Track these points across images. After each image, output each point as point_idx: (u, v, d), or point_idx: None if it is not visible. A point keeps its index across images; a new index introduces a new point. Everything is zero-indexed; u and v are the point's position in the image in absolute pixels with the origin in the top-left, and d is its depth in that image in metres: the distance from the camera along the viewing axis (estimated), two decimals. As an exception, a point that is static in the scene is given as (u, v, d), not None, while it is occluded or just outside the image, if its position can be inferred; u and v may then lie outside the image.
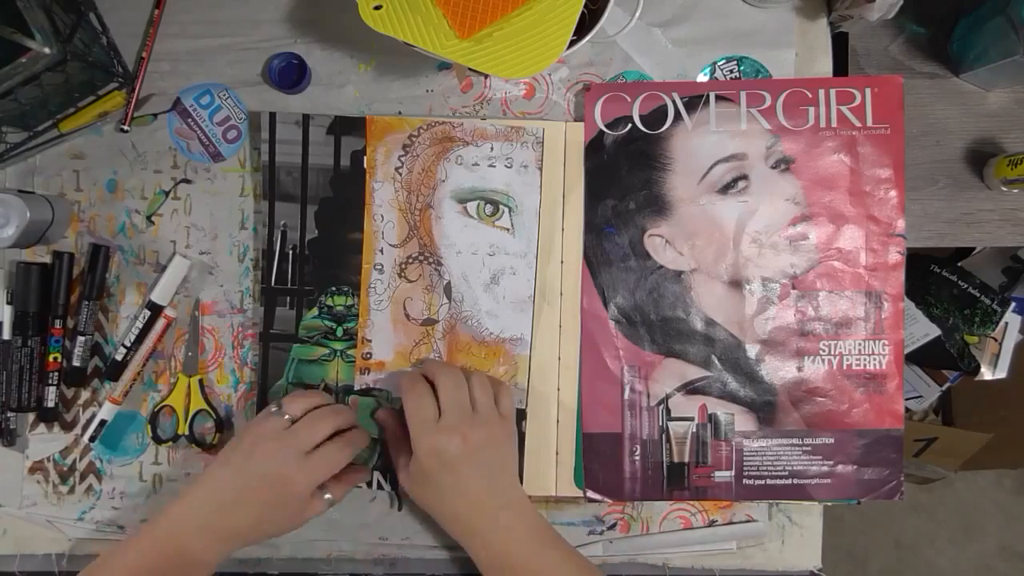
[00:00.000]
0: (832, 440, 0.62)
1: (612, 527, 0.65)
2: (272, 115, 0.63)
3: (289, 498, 0.56)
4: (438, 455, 0.56)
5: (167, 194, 0.63)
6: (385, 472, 0.63)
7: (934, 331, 1.01)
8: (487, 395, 0.59)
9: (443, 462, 0.56)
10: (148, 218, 0.65)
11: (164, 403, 0.64)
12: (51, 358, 0.64)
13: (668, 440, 0.63)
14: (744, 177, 0.62)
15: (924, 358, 1.07)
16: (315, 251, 0.63)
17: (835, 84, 0.62)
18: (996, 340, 1.07)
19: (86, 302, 0.63)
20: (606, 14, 0.58)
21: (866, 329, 0.62)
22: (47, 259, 0.65)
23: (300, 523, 0.58)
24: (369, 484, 0.63)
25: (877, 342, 0.62)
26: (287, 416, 0.57)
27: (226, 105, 0.65)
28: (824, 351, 0.62)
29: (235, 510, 0.55)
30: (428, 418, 0.57)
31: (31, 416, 0.65)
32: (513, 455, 0.61)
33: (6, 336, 0.64)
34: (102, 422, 0.64)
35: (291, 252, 0.63)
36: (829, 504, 0.65)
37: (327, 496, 0.58)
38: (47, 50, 0.55)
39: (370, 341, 0.63)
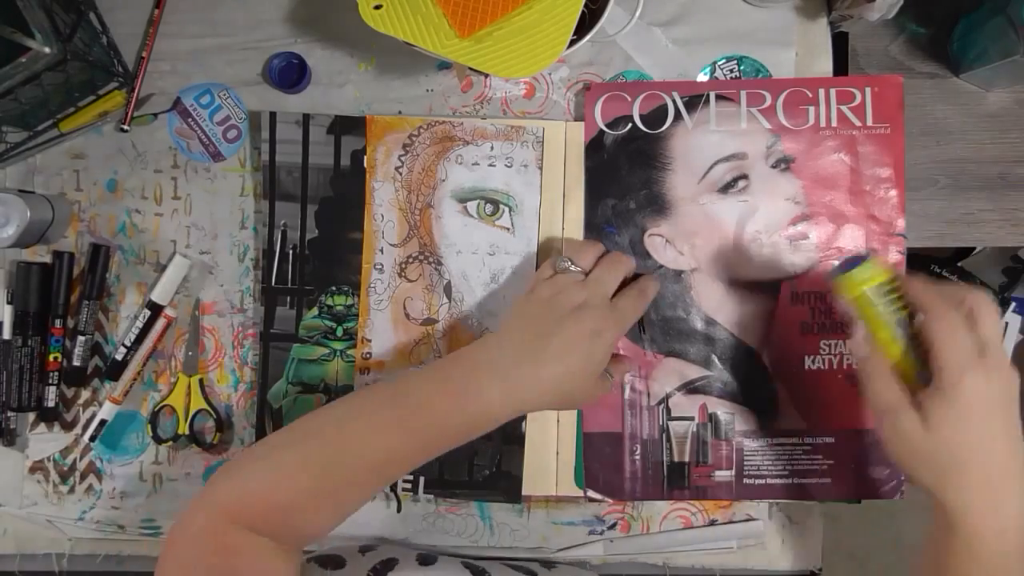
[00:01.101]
0: (832, 439, 0.62)
1: (612, 527, 0.65)
2: (272, 115, 0.63)
3: (598, 349, 0.52)
4: (986, 400, 0.46)
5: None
6: (385, 472, 0.63)
7: (934, 331, 1.00)
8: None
9: (990, 409, 0.46)
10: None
11: (164, 403, 0.64)
12: (51, 358, 0.64)
13: (668, 439, 0.63)
14: (744, 176, 0.62)
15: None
16: (315, 251, 0.63)
17: (835, 84, 0.62)
18: (996, 340, 1.07)
19: (86, 302, 0.63)
20: (606, 14, 0.58)
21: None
22: (47, 259, 0.65)
23: (593, 396, 0.56)
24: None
25: (877, 342, 0.62)
26: (578, 268, 0.56)
27: (226, 105, 0.65)
28: (824, 350, 0.62)
29: (542, 361, 0.51)
30: (976, 348, 0.46)
31: (31, 416, 0.65)
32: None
33: (6, 336, 0.64)
34: (102, 422, 0.64)
35: (291, 252, 0.63)
36: (829, 504, 0.64)
37: (610, 374, 0.57)
38: (47, 50, 0.55)
39: (370, 341, 0.63)
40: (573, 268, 0.56)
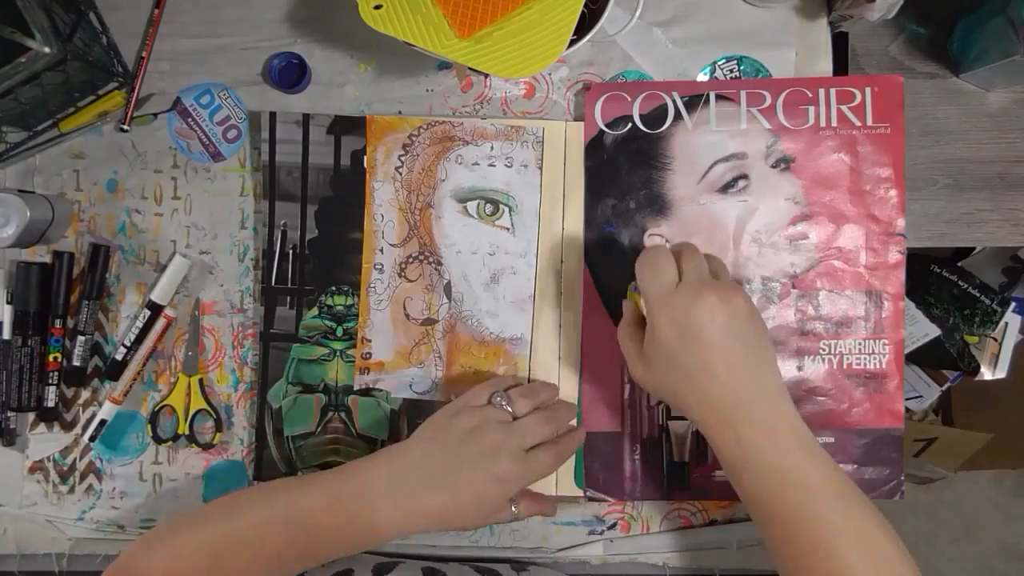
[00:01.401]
0: (832, 439, 0.62)
1: (612, 527, 0.65)
2: (272, 115, 0.63)
3: (496, 494, 0.52)
4: (681, 326, 0.48)
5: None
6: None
7: (934, 331, 1.01)
8: (726, 271, 0.53)
9: (687, 334, 0.48)
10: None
11: (164, 403, 0.64)
12: (51, 358, 0.64)
13: (668, 439, 0.63)
14: (744, 176, 0.62)
15: (924, 358, 1.07)
16: (315, 251, 0.63)
17: (835, 84, 0.62)
18: (996, 340, 1.07)
19: (86, 302, 0.63)
20: (606, 14, 0.58)
21: (866, 328, 0.62)
22: (47, 259, 0.65)
23: (481, 525, 0.56)
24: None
25: (877, 341, 0.62)
26: (510, 410, 0.55)
27: (226, 105, 0.65)
28: (824, 350, 0.62)
29: (437, 491, 0.51)
30: (668, 282, 0.49)
31: (31, 416, 0.65)
32: (768, 337, 0.51)
33: (6, 336, 0.64)
34: (102, 422, 0.64)
35: (291, 252, 0.63)
36: (829, 504, 0.64)
37: (514, 509, 0.55)
38: (47, 49, 0.55)
39: (370, 341, 0.63)
40: (506, 407, 0.55)
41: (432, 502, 0.52)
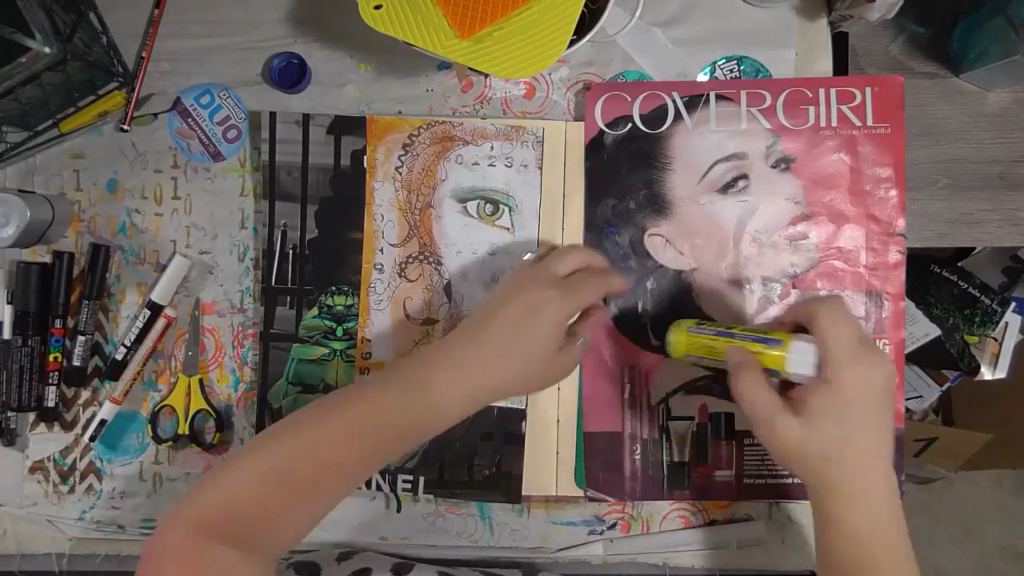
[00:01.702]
0: (832, 440, 0.62)
1: (612, 527, 0.65)
2: (272, 115, 0.63)
3: (544, 324, 0.51)
4: (867, 385, 0.46)
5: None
6: (384, 473, 0.63)
7: (934, 331, 1.01)
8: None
9: (868, 395, 0.46)
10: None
11: (164, 403, 0.64)
12: (51, 358, 0.64)
13: (668, 439, 0.63)
14: (744, 176, 0.62)
15: (924, 358, 1.07)
16: (315, 251, 0.63)
17: (835, 83, 0.62)
18: (996, 340, 1.07)
19: (86, 302, 0.63)
20: (606, 14, 0.58)
21: (867, 328, 0.62)
22: (47, 259, 0.65)
23: (556, 372, 0.55)
24: (368, 485, 0.63)
25: (877, 341, 0.62)
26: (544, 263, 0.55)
27: (226, 105, 0.65)
28: (824, 351, 0.62)
29: (485, 342, 0.51)
30: (858, 337, 0.47)
31: (31, 416, 0.65)
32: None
33: (6, 336, 0.64)
34: (102, 422, 0.64)
35: (291, 252, 0.63)
36: (829, 504, 0.64)
37: (579, 341, 0.55)
38: (47, 50, 0.55)
39: (370, 341, 0.63)
40: (532, 258, 0.55)
41: (486, 354, 0.51)
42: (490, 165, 0.63)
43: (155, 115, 0.65)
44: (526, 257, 0.56)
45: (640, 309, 0.63)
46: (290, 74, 0.65)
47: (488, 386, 0.51)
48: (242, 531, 0.48)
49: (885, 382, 0.46)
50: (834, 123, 0.62)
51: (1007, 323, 1.06)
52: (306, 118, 0.63)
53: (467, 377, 0.51)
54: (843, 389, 0.46)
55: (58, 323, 0.64)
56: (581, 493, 0.63)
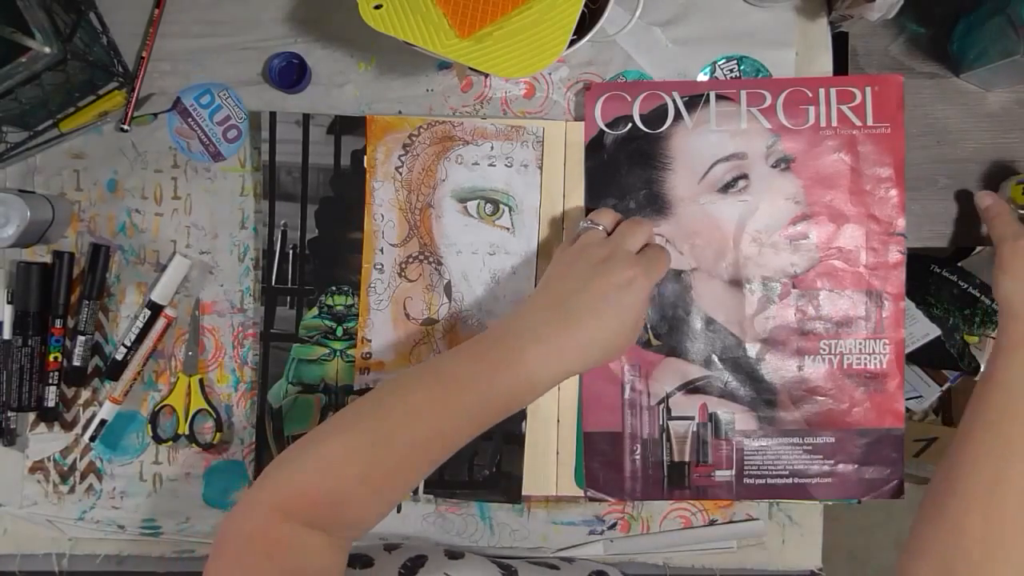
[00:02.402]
0: (833, 439, 0.62)
1: (612, 526, 0.65)
2: (272, 115, 0.63)
3: (631, 300, 0.52)
4: None
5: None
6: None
7: (934, 331, 1.00)
8: None
9: None
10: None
11: (164, 403, 0.64)
12: (51, 358, 0.64)
13: (668, 439, 0.63)
14: (744, 176, 0.62)
15: (924, 358, 1.07)
16: (315, 251, 0.63)
17: (835, 83, 0.62)
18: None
19: (86, 302, 0.63)
20: (606, 13, 0.58)
21: (867, 328, 0.62)
22: (47, 259, 0.65)
23: (631, 342, 0.55)
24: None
25: (878, 341, 0.62)
26: (601, 227, 0.57)
27: (226, 105, 0.65)
28: (824, 350, 0.62)
29: (581, 323, 0.51)
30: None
31: (31, 416, 0.65)
32: None
33: (6, 336, 0.64)
34: (102, 422, 0.64)
35: (291, 252, 0.63)
36: (829, 504, 0.65)
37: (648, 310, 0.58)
38: (47, 50, 0.55)
39: (370, 341, 0.63)
40: (595, 227, 0.57)
41: (577, 332, 0.51)
42: (490, 165, 0.63)
43: (155, 115, 0.65)
44: (583, 225, 0.57)
45: (640, 309, 0.63)
46: (290, 74, 0.65)
47: (579, 362, 0.52)
48: (328, 514, 0.47)
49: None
50: (834, 123, 0.62)
51: (1007, 323, 1.06)
52: (306, 118, 0.63)
53: (559, 355, 0.51)
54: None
55: (58, 323, 0.64)
56: (581, 493, 0.63)
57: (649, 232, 0.58)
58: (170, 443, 0.64)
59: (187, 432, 0.64)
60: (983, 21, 0.63)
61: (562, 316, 0.52)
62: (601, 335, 0.52)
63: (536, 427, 0.63)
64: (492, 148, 0.63)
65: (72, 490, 0.65)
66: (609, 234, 0.57)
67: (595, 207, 0.63)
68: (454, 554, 0.58)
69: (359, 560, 0.56)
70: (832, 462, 0.62)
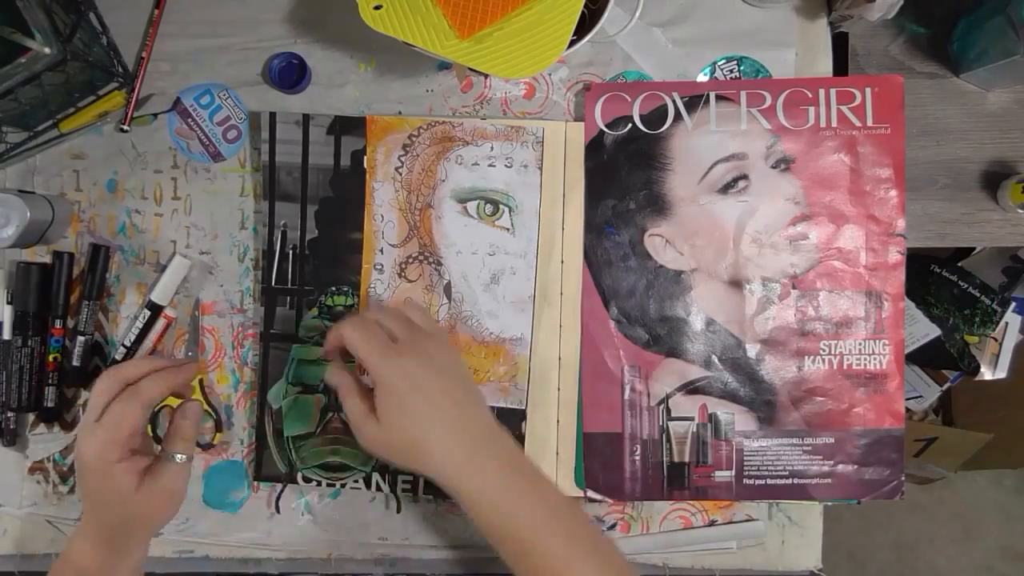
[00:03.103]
0: (832, 440, 0.62)
1: (612, 527, 0.65)
2: (272, 115, 0.63)
3: (104, 473, 0.51)
4: (409, 376, 0.50)
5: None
6: (384, 473, 0.63)
7: (934, 331, 1.01)
8: (428, 318, 0.59)
9: (415, 383, 0.50)
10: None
11: (164, 403, 0.64)
12: (51, 358, 0.64)
13: (668, 440, 0.63)
14: (744, 177, 0.62)
15: (924, 358, 1.07)
16: (315, 251, 0.63)
17: (835, 84, 0.62)
18: (996, 340, 1.07)
19: (86, 302, 0.63)
20: (606, 14, 0.58)
21: (866, 329, 0.62)
22: (47, 259, 0.65)
23: (158, 496, 0.53)
24: (368, 484, 0.63)
25: (877, 342, 0.62)
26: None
27: (226, 105, 0.65)
28: (824, 351, 0.62)
29: (92, 509, 0.53)
30: (386, 340, 0.52)
31: (31, 416, 0.65)
32: (470, 378, 0.57)
33: (6, 336, 0.64)
34: (102, 422, 0.64)
35: (291, 252, 0.63)
36: (829, 504, 0.64)
37: (178, 456, 0.55)
38: (47, 50, 0.55)
39: (370, 341, 0.63)
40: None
41: (102, 519, 0.53)
42: (490, 165, 0.63)
43: (155, 115, 0.65)
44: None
45: (640, 310, 0.63)
46: (290, 74, 0.65)
47: (124, 541, 0.53)
48: None
49: (422, 368, 0.51)
50: (834, 123, 0.62)
51: (1007, 323, 1.06)
52: (306, 118, 0.63)
53: (104, 544, 0.53)
54: (381, 385, 0.50)
55: (58, 323, 0.64)
56: (581, 493, 0.63)
57: (114, 384, 0.53)
58: (170, 443, 0.64)
59: (187, 432, 0.64)
60: (983, 21, 0.63)
61: (86, 510, 0.53)
62: (116, 515, 0.53)
63: (536, 427, 0.63)
64: (492, 148, 0.63)
65: (72, 490, 0.65)
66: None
67: (595, 207, 0.63)
68: None
69: None
70: (832, 462, 0.62)
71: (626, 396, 0.63)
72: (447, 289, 0.63)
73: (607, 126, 0.63)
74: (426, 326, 0.56)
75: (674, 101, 0.63)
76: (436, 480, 0.51)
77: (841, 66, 0.65)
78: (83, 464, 0.52)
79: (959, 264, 1.02)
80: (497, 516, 0.50)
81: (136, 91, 0.64)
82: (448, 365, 0.53)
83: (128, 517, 0.53)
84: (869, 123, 0.62)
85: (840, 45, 0.65)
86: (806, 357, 0.62)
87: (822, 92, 0.62)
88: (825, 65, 0.65)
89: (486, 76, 0.65)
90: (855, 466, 0.62)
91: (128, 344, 0.64)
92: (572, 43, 0.56)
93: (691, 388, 0.63)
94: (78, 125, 0.64)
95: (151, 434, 0.64)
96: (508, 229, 0.63)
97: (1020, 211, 0.64)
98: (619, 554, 0.53)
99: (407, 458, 0.51)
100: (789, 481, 0.62)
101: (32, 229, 0.60)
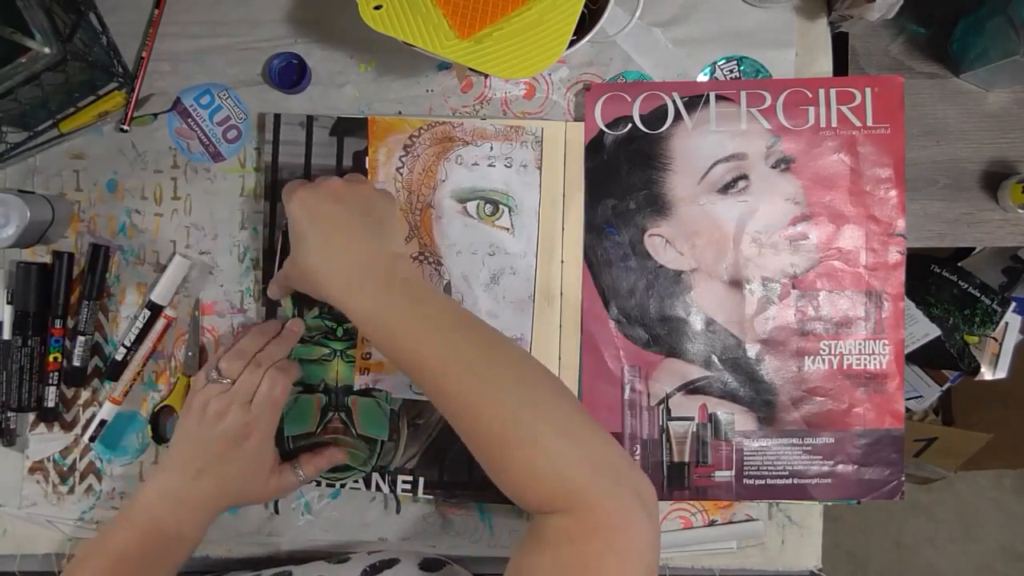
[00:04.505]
0: (832, 440, 0.62)
1: (612, 527, 0.64)
2: (277, 116, 0.63)
3: (248, 455, 0.57)
4: (307, 207, 0.55)
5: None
6: (384, 473, 0.63)
7: (934, 331, 1.01)
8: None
9: (312, 214, 0.54)
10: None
11: (164, 403, 0.64)
12: (51, 358, 0.64)
13: (668, 440, 0.63)
14: (744, 177, 0.62)
15: (924, 358, 1.07)
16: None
17: (835, 84, 0.62)
18: (996, 340, 1.07)
19: (86, 302, 0.63)
20: (606, 14, 0.58)
21: (866, 329, 0.62)
22: (47, 259, 0.65)
23: (272, 491, 0.59)
24: (368, 484, 0.63)
25: (877, 342, 0.62)
26: (226, 380, 0.58)
27: (226, 105, 0.65)
28: (824, 351, 0.62)
29: (202, 477, 0.56)
30: (306, 183, 0.57)
31: (31, 416, 0.65)
32: (391, 209, 0.60)
33: (6, 336, 0.64)
34: (102, 422, 0.64)
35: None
36: (829, 504, 0.65)
37: (299, 472, 0.60)
38: (47, 50, 0.55)
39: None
40: (221, 380, 0.58)
41: (206, 489, 0.56)
42: (490, 165, 0.63)
43: (155, 115, 0.65)
44: (208, 376, 0.59)
45: (640, 310, 0.63)
46: (290, 74, 0.65)
47: (217, 509, 0.58)
48: None
49: (316, 202, 0.54)
50: (834, 123, 0.62)
51: (1007, 323, 1.06)
52: (310, 120, 0.63)
53: (198, 512, 0.57)
54: (291, 218, 0.55)
55: (58, 323, 0.64)
56: (581, 493, 0.63)
57: (265, 369, 0.59)
58: (170, 443, 0.64)
59: (187, 432, 0.64)
60: (983, 21, 0.63)
61: (191, 477, 0.56)
62: (230, 487, 0.57)
63: (536, 427, 0.63)
64: (492, 148, 0.63)
65: (72, 490, 0.65)
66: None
67: (595, 207, 0.63)
68: (430, 564, 0.59)
69: (336, 556, 0.59)
70: (832, 462, 0.62)
71: (626, 396, 0.63)
72: (447, 289, 0.63)
73: (607, 126, 0.63)
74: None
75: (674, 101, 0.63)
76: (331, 303, 0.54)
77: (841, 66, 0.65)
78: (234, 437, 0.56)
79: (959, 264, 1.02)
80: (375, 331, 0.52)
81: (136, 91, 0.64)
82: (354, 201, 0.56)
83: (243, 492, 0.58)
84: (869, 123, 0.62)
85: (840, 45, 0.65)
86: (806, 357, 0.62)
87: (822, 92, 0.62)
88: (825, 65, 0.65)
89: (486, 76, 0.65)
90: (855, 466, 0.62)
91: (128, 344, 0.64)
92: (572, 43, 0.56)
93: (691, 388, 0.63)
94: (78, 125, 0.64)
95: (151, 434, 0.64)
96: (508, 229, 0.63)
97: (1020, 211, 0.64)
98: (524, 362, 0.53)
99: (308, 284, 0.56)
100: (789, 481, 0.62)
101: (32, 229, 0.60)
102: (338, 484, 0.64)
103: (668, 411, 0.63)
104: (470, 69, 0.61)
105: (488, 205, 0.63)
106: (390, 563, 0.57)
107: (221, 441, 0.56)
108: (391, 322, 0.51)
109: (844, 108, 0.62)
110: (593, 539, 0.44)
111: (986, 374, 1.08)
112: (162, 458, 0.59)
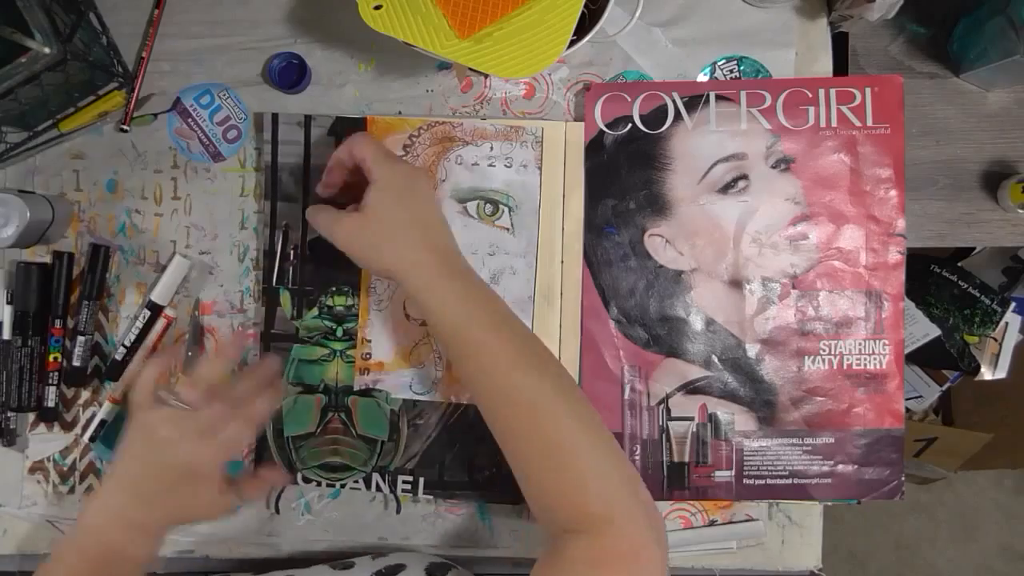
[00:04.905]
0: (832, 440, 0.62)
1: (612, 527, 0.64)
2: (275, 116, 0.63)
3: (200, 486, 0.54)
4: (409, 178, 0.55)
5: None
6: (384, 473, 0.63)
7: (934, 331, 1.01)
8: None
9: (410, 185, 0.55)
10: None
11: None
12: (51, 358, 0.64)
13: (668, 440, 0.63)
14: (744, 177, 0.62)
15: (924, 358, 1.07)
16: (316, 251, 0.63)
17: (835, 84, 0.62)
18: (996, 340, 1.07)
19: (86, 302, 0.63)
20: (606, 14, 0.58)
21: (866, 329, 0.62)
22: (47, 259, 0.65)
23: (218, 512, 0.56)
24: (368, 484, 0.63)
25: (877, 342, 0.62)
26: (181, 406, 0.54)
27: (226, 105, 0.65)
28: (824, 351, 0.62)
29: (154, 505, 0.53)
30: (383, 150, 0.56)
31: (31, 416, 0.65)
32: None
33: (6, 336, 0.64)
34: (102, 422, 0.64)
35: (292, 252, 0.63)
36: (829, 504, 0.65)
37: (234, 500, 0.56)
38: (47, 50, 0.55)
39: (370, 341, 0.63)
40: (174, 402, 0.54)
41: (156, 514, 0.53)
42: (490, 165, 0.63)
43: (155, 115, 0.65)
44: (165, 396, 0.55)
45: (640, 310, 0.63)
46: (290, 74, 0.65)
47: (165, 533, 0.55)
48: None
49: (406, 177, 0.55)
50: (834, 123, 0.62)
51: (1007, 323, 1.06)
52: (307, 119, 0.63)
53: (147, 535, 0.54)
54: (377, 181, 0.54)
55: (58, 323, 0.64)
56: (581, 493, 0.63)
57: (232, 401, 0.55)
58: (170, 443, 0.64)
59: (187, 432, 0.64)
60: (983, 21, 0.63)
61: (143, 503, 0.53)
62: (182, 514, 0.55)
63: (536, 427, 0.63)
64: (492, 148, 0.63)
65: (72, 490, 0.65)
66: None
67: (595, 207, 0.63)
68: (436, 568, 0.58)
69: (339, 560, 0.58)
70: (832, 462, 0.62)
71: (626, 396, 0.63)
72: (447, 289, 0.63)
73: (607, 126, 0.63)
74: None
75: (674, 101, 0.63)
76: (389, 274, 0.54)
77: (841, 66, 0.65)
78: (188, 469, 0.53)
79: (959, 264, 1.02)
80: (440, 306, 0.53)
81: (136, 91, 0.64)
82: (431, 192, 0.58)
83: (192, 517, 0.56)
84: (869, 123, 0.62)
85: (840, 45, 0.65)
86: (806, 357, 0.62)
87: (822, 92, 0.62)
88: (825, 65, 0.65)
89: (486, 76, 0.65)
90: (855, 466, 0.62)
91: (128, 344, 0.64)
92: (572, 43, 0.56)
93: (691, 388, 0.63)
94: (78, 125, 0.64)
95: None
96: (508, 229, 0.63)
97: (1020, 211, 0.64)
98: (535, 340, 0.54)
99: (372, 251, 0.54)
100: (789, 481, 0.62)
101: (32, 229, 0.60)
102: (338, 484, 0.64)
103: (668, 411, 0.63)
104: (470, 69, 0.61)
105: (488, 205, 0.63)
106: (396, 569, 0.57)
107: (172, 472, 0.53)
108: (462, 310, 0.52)
109: (844, 108, 0.62)
110: (617, 567, 0.45)
111: (986, 374, 1.08)
112: (106, 475, 0.57)
